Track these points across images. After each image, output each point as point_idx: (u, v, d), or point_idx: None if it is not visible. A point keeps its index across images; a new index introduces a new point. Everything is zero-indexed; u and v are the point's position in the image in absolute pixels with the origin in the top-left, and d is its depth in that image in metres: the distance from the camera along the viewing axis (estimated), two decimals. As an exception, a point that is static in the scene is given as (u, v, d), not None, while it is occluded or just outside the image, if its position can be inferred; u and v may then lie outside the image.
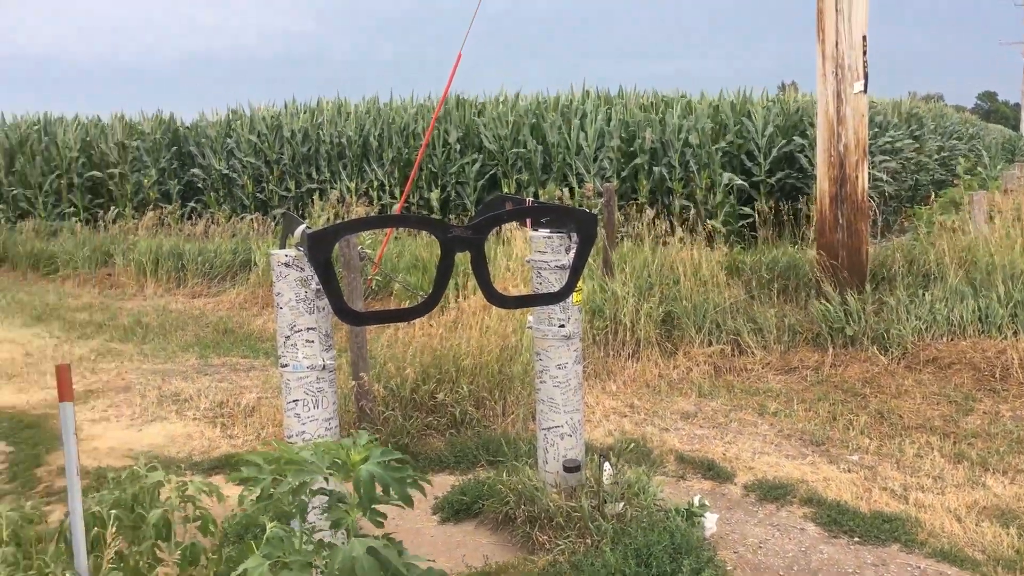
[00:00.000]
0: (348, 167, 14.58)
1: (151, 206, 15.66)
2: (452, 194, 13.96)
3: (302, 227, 3.55)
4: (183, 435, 6.21)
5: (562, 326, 4.22)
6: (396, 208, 9.76)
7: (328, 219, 12.93)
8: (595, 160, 12.79)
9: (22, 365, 8.40)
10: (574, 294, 4.19)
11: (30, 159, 17.01)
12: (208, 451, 5.86)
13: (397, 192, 14.14)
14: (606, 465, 4.23)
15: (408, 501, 2.59)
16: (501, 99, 14.75)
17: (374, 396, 5.55)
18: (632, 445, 5.30)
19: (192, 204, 15.98)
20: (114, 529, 2.81)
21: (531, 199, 4.61)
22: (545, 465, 4.39)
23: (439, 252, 3.63)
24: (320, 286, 3.61)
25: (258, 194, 15.37)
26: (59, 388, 2.62)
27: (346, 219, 12.79)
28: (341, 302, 3.54)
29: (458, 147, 13.93)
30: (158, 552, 2.86)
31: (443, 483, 5.11)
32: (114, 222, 15.30)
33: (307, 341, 3.71)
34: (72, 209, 16.62)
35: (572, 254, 3.99)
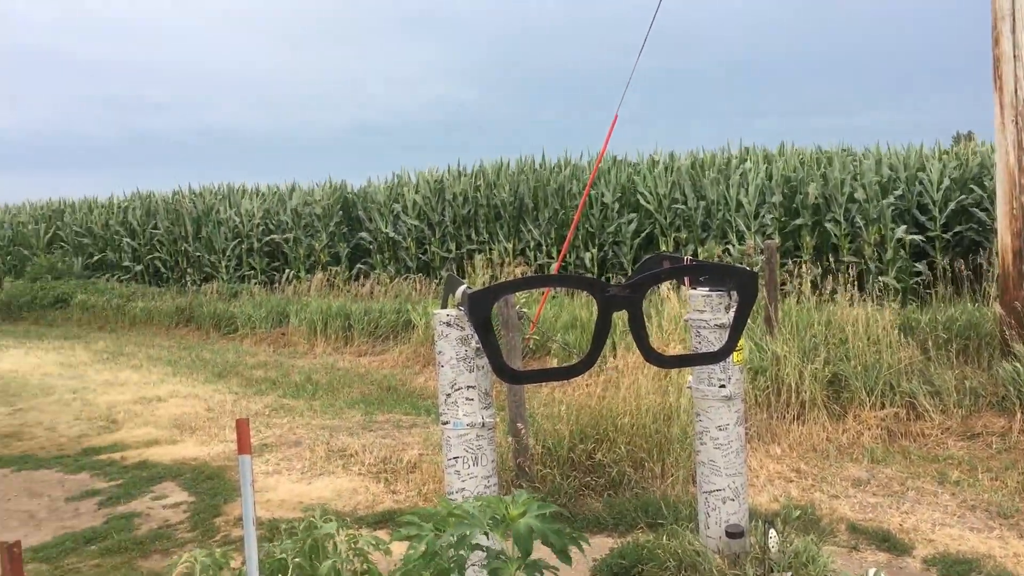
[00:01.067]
0: (505, 228, 14.88)
1: (321, 268, 16.47)
2: (609, 253, 13.99)
3: (463, 287, 3.65)
4: (349, 489, 6.41)
5: (723, 386, 4.12)
6: (553, 268, 9.86)
7: (486, 280, 13.21)
8: (756, 217, 12.54)
9: (204, 419, 8.92)
10: (735, 354, 4.09)
11: (216, 226, 18.27)
12: (372, 506, 6.02)
13: (554, 252, 14.29)
14: (771, 532, 4.06)
15: (566, 557, 2.57)
16: (658, 157, 14.77)
17: (532, 454, 5.57)
18: (799, 512, 5.07)
19: (360, 265, 16.70)
20: (285, 577, 2.92)
21: (689, 257, 4.56)
22: (707, 530, 4.26)
23: (596, 311, 3.64)
24: (480, 345, 3.69)
25: (421, 255, 15.89)
26: (239, 441, 2.76)
27: (503, 279, 13.03)
28: (500, 361, 3.59)
29: (615, 207, 13.99)
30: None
31: (601, 545, 5.04)
32: (288, 283, 16.20)
33: (467, 399, 3.78)
34: (251, 272, 17.69)
35: (732, 313, 3.90)
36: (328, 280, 15.81)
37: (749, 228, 12.50)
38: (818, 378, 7.36)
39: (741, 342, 4.17)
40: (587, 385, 6.50)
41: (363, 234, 16.90)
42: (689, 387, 4.29)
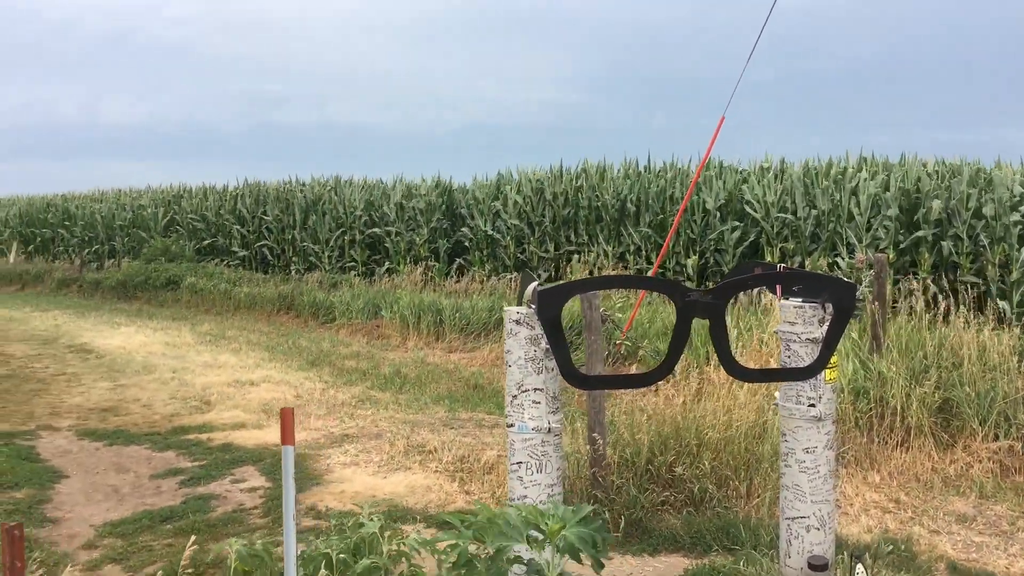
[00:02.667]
0: (605, 230, 14.62)
1: (421, 263, 16.54)
2: (710, 261, 13.58)
3: (534, 284, 3.47)
4: (423, 486, 6.30)
5: (812, 405, 3.82)
6: (651, 273, 9.58)
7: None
8: (868, 229, 11.94)
9: (291, 405, 8.97)
10: (827, 371, 3.79)
11: (321, 217, 18.58)
12: (444, 504, 5.89)
13: (653, 256, 13.95)
14: (859, 568, 3.74)
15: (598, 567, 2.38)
16: (768, 165, 14.26)
17: (608, 464, 5.33)
18: (893, 547, 4.69)
19: (459, 261, 16.70)
20: (324, 571, 2.80)
21: (782, 266, 4.26)
22: (787, 559, 3.96)
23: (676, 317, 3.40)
24: (548, 346, 3.50)
25: (519, 255, 15.77)
26: (283, 431, 2.65)
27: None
28: (569, 363, 3.39)
29: (717, 214, 13.56)
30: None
31: (675, 565, 4.78)
32: (387, 276, 16.34)
33: (534, 402, 3.60)
34: (353, 263, 17.91)
35: (826, 327, 3.60)
36: (425, 275, 15.86)
37: (860, 241, 11.91)
38: (927, 403, 6.88)
39: (835, 359, 3.85)
40: (673, 394, 6.22)
41: (464, 230, 16.89)
42: (776, 404, 3.99)
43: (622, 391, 7.31)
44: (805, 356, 3.78)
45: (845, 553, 3.86)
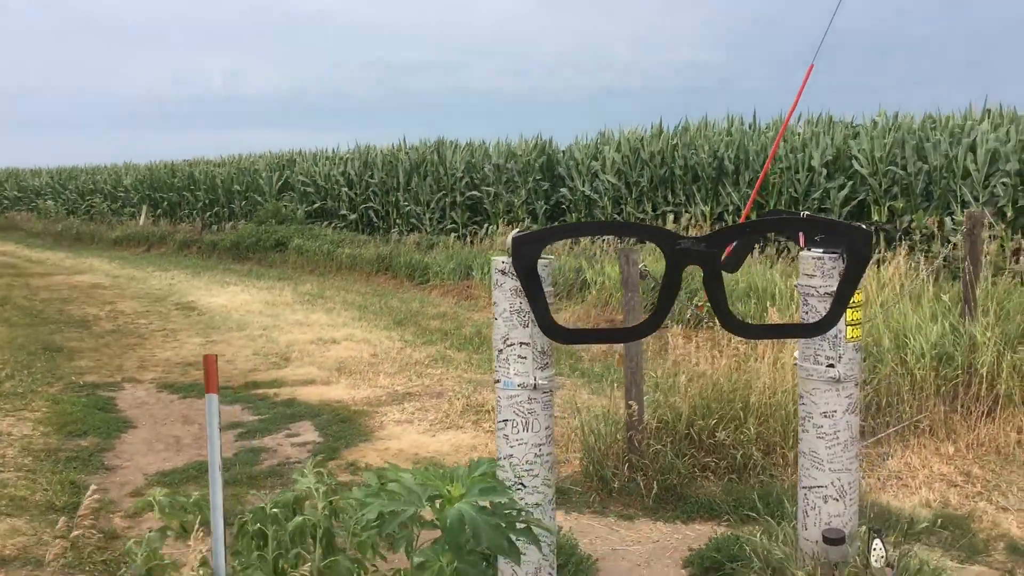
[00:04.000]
0: (702, 190, 14.11)
1: (519, 224, 16.40)
2: (814, 221, 12.93)
3: (513, 232, 3.26)
4: (468, 446, 6.21)
5: (831, 365, 3.48)
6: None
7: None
8: (985, 186, 11.07)
9: (365, 364, 9.04)
10: (849, 329, 3.45)
11: (422, 179, 18.68)
12: (482, 464, 5.78)
13: (754, 216, 13.38)
14: (876, 543, 3.40)
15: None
16: (879, 119, 13.41)
17: (645, 428, 5.09)
18: (940, 522, 4.30)
19: (558, 223, 16.50)
20: (258, 526, 2.72)
21: (806, 213, 3.90)
22: (804, 531, 3.66)
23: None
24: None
25: (616, 215, 15.43)
26: (206, 379, 2.56)
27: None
28: (547, 315, 3.19)
29: (823, 171, 12.86)
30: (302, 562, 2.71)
31: (706, 534, 4.53)
32: (488, 238, 16.30)
33: (519, 356, 3.41)
34: (453, 225, 17.95)
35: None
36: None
37: (977, 199, 11.06)
38: (1020, 370, 6.31)
39: (858, 315, 3.51)
40: (718, 354, 5.89)
41: (564, 191, 16.65)
42: (796, 364, 3.67)
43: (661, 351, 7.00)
44: (824, 311, 3.45)
45: (866, 528, 3.53)
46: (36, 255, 23.51)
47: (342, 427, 6.75)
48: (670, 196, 14.73)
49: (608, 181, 15.33)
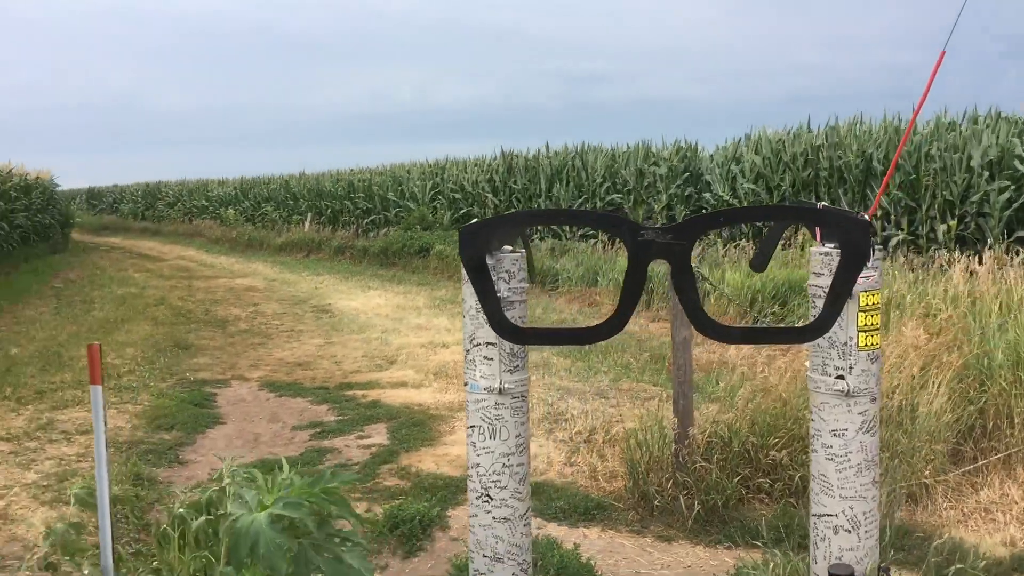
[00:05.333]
0: (849, 193, 13.20)
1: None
2: (971, 226, 11.80)
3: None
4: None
5: (840, 377, 3.03)
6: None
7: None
8: None
9: (463, 367, 8.92)
10: (862, 336, 2.99)
11: (564, 185, 18.52)
12: (532, 475, 5.51)
13: (904, 221, 12.38)
14: (886, 584, 2.93)
15: None
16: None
17: (692, 441, 4.69)
18: (1017, 564, 3.69)
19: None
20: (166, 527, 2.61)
21: (822, 204, 3.43)
22: (815, 564, 3.20)
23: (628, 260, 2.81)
24: (507, 295, 3.07)
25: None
26: (90, 371, 2.47)
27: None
28: (498, 313, 2.92)
29: (984, 172, 11.74)
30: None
31: (749, 562, 4.10)
32: (619, 245, 15.92)
33: (486, 358, 3.15)
34: (591, 231, 17.67)
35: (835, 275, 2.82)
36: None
37: None
38: None
39: (874, 319, 3.04)
40: (779, 364, 5.36)
41: (706, 196, 16.06)
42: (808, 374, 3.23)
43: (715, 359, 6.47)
44: (832, 315, 3.00)
45: (880, 565, 3.05)
46: (210, 259, 25.02)
47: (412, 431, 6.66)
48: (814, 200, 13.88)
49: (746, 185, 14.65)
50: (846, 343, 3.02)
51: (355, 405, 7.56)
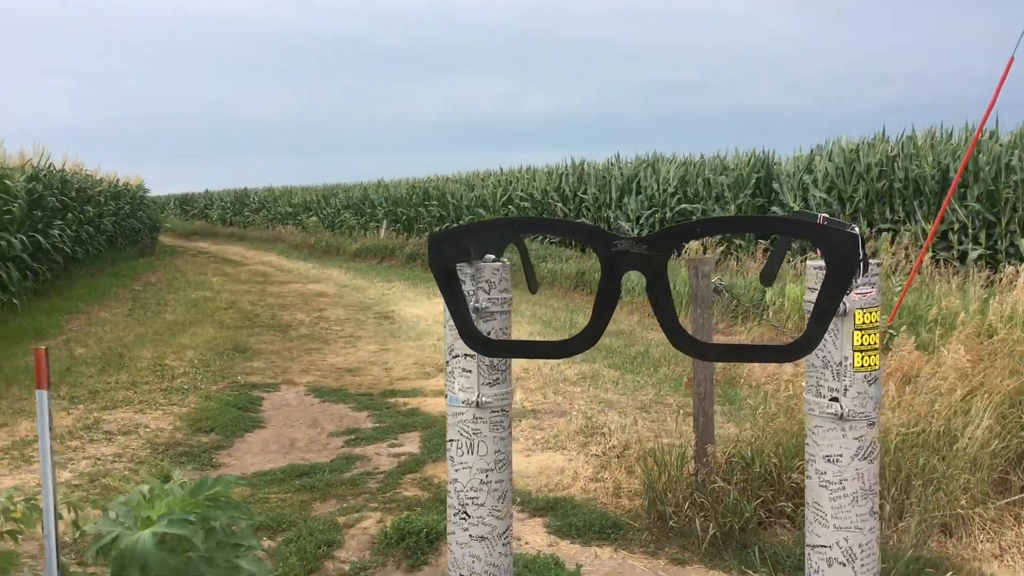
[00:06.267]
0: (924, 206, 12.68)
1: (726, 241, 15.61)
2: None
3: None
4: (555, 468, 5.83)
5: (834, 399, 2.84)
6: (919, 257, 8.02)
7: (893, 264, 11.37)
8: None
9: (512, 377, 8.82)
10: (858, 355, 2.80)
11: (634, 195, 18.30)
12: (554, 489, 5.39)
13: (982, 236, 11.82)
14: (877, 625, 2.72)
15: None
16: None
17: (710, 460, 4.50)
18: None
19: (764, 243, 15.52)
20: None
21: (823, 216, 3.23)
22: (809, 600, 3.01)
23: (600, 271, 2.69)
24: (484, 305, 2.99)
25: (829, 233, 14.23)
26: (36, 375, 2.46)
27: (910, 263, 11.13)
28: (468, 323, 2.84)
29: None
30: None
31: (759, 590, 3.91)
32: (685, 254, 15.65)
33: (464, 370, 3.06)
34: (661, 242, 17.40)
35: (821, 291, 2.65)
36: (727, 252, 14.95)
37: None
38: None
39: (871, 338, 2.85)
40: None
41: (775, 208, 15.66)
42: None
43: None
44: (826, 333, 2.82)
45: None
46: (288, 264, 25.50)
47: (443, 441, 6.58)
48: (888, 212, 13.39)
49: (818, 196, 14.21)
50: (840, 363, 2.84)
51: (394, 412, 7.54)
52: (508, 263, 3.17)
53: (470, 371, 3.05)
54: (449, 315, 3.05)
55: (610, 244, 2.65)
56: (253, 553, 2.26)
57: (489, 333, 3.09)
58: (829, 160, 14.26)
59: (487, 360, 3.06)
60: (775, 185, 15.86)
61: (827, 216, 3.24)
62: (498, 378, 3.09)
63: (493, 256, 3.19)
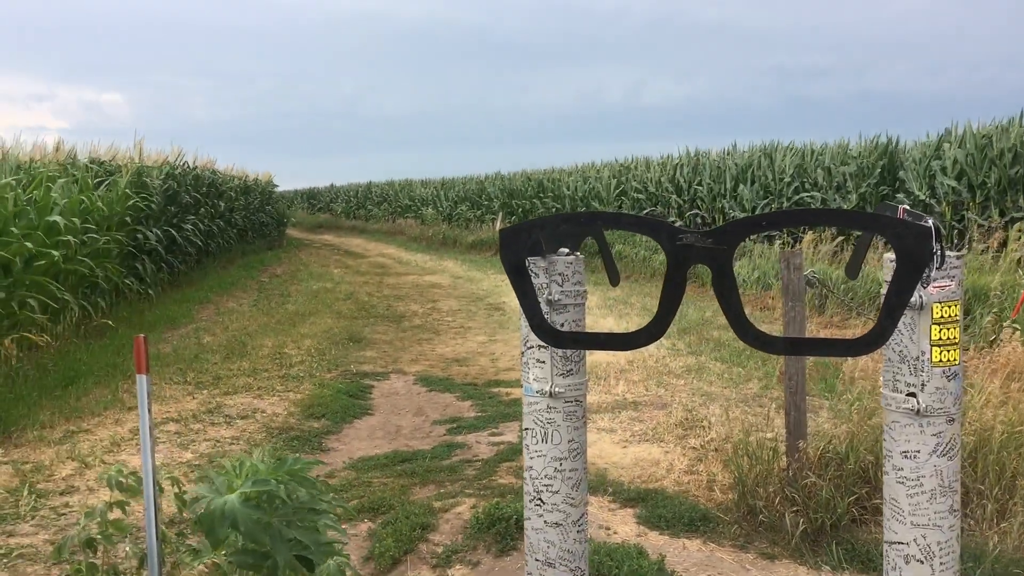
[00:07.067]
0: (1061, 192, 11.99)
1: (844, 233, 15.12)
2: None
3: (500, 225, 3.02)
4: (650, 460, 5.84)
5: (911, 395, 2.78)
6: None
7: (1014, 258, 10.83)
8: None
9: (618, 368, 8.85)
10: (936, 351, 2.74)
11: (749, 184, 17.93)
12: (646, 481, 5.41)
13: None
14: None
15: (275, 550, 1.99)
16: None
17: (802, 455, 4.43)
18: None
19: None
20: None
21: (903, 207, 3.13)
22: (887, 598, 2.96)
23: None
24: (556, 298, 3.06)
25: (956, 223, 13.63)
26: (136, 361, 2.66)
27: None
28: (538, 315, 2.92)
29: None
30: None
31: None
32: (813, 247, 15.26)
33: (538, 361, 3.13)
34: (776, 233, 16.99)
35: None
36: (843, 244, 14.49)
37: None
38: None
39: (952, 333, 2.78)
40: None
41: (900, 196, 15.06)
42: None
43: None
44: (903, 327, 2.77)
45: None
46: (407, 256, 26.10)
47: (543, 430, 6.67)
48: (1021, 201, 12.71)
49: (946, 184, 13.60)
50: (918, 358, 2.80)
51: (497, 402, 7.68)
52: (582, 256, 3.22)
53: (544, 362, 3.13)
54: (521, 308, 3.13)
55: (675, 238, 2.68)
56: (331, 518, 2.41)
57: (562, 325, 3.15)
58: (959, 147, 13.63)
59: (560, 351, 3.12)
60: (901, 174, 15.26)
61: (907, 208, 3.16)
62: (572, 369, 3.15)
63: (567, 250, 3.24)
